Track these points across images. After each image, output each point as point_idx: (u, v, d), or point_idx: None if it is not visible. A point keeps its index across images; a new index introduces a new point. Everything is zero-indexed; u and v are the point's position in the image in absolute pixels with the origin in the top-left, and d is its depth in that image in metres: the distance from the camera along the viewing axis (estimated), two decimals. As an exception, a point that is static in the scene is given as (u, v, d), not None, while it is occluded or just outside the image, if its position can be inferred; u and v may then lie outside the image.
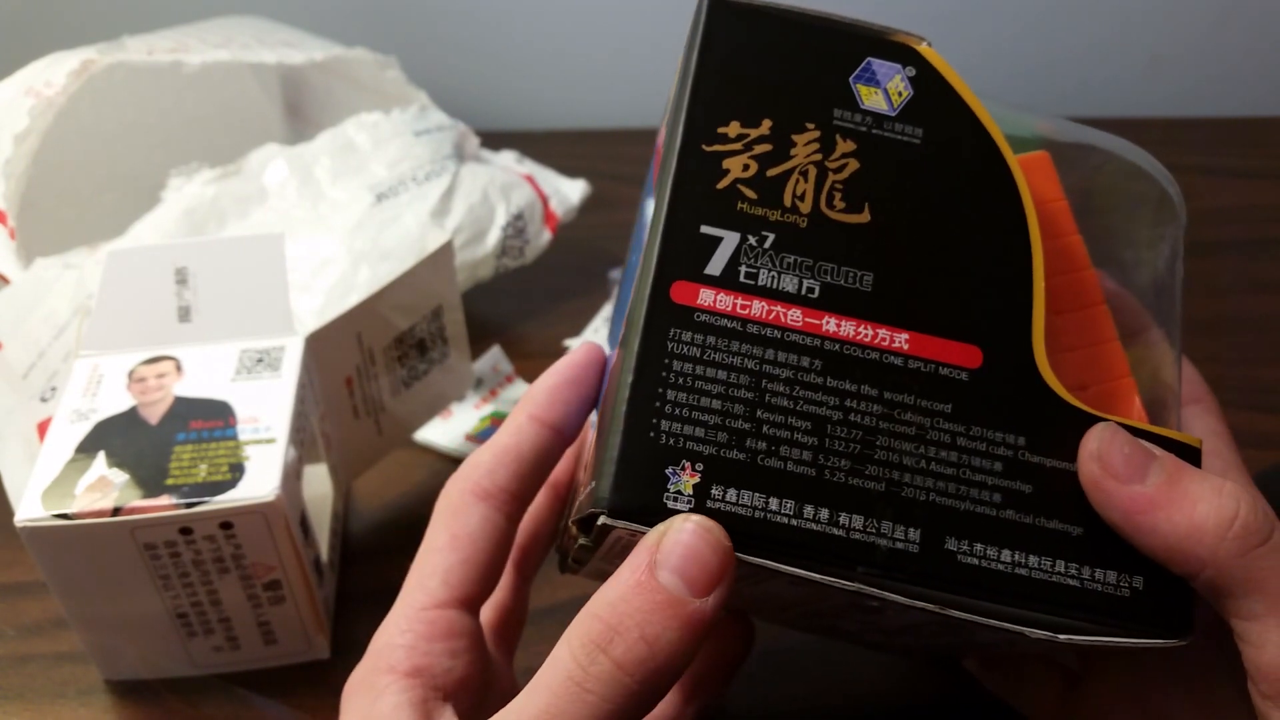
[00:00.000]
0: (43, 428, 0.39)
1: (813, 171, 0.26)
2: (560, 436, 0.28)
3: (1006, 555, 0.24)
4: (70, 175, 0.53)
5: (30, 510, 0.32)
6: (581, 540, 0.25)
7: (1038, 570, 0.24)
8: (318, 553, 0.38)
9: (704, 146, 0.26)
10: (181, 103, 0.57)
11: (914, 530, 0.24)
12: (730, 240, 0.25)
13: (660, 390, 0.24)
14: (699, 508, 0.23)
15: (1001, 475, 0.24)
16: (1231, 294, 0.56)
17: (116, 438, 0.34)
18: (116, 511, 0.32)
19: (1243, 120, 0.74)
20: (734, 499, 0.23)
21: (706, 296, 0.25)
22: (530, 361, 0.53)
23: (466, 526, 0.27)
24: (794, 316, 0.25)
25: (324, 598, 0.38)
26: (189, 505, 0.32)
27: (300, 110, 0.62)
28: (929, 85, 0.26)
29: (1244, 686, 0.24)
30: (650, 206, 0.26)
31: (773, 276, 0.25)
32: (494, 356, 0.52)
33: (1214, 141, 0.71)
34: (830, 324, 0.25)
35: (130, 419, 0.35)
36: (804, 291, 0.25)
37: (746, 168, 0.26)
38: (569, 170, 0.58)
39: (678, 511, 0.23)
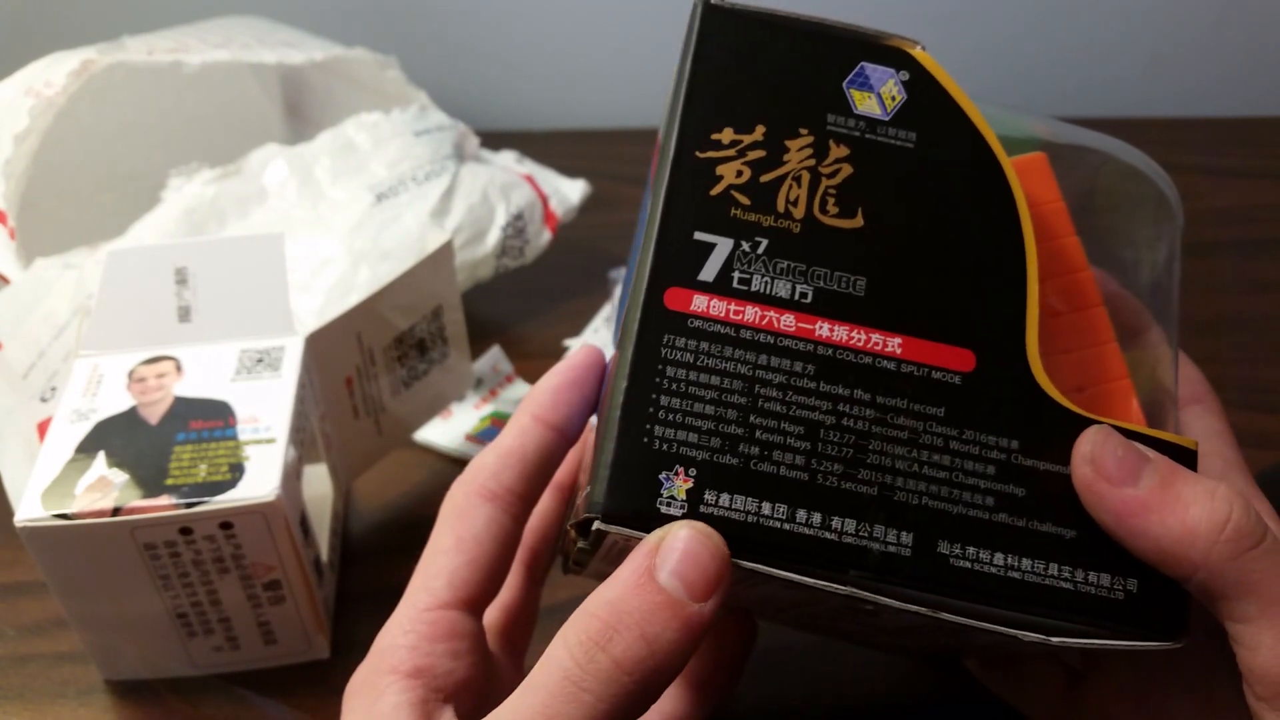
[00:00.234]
0: (43, 428, 0.39)
1: (806, 177, 0.26)
2: (563, 437, 0.28)
3: (999, 558, 0.24)
4: (70, 175, 0.53)
5: (30, 510, 0.32)
6: (580, 544, 0.25)
7: (1031, 573, 0.24)
8: (318, 553, 0.38)
9: (697, 153, 0.26)
10: (181, 103, 0.57)
11: (906, 534, 0.24)
12: (724, 246, 0.25)
13: (654, 396, 0.24)
14: (692, 513, 0.23)
15: (995, 479, 0.24)
16: (1231, 294, 0.56)
17: (116, 438, 0.34)
18: (116, 511, 0.32)
19: (1243, 120, 0.74)
20: (727, 504, 0.24)
21: (700, 303, 0.25)
22: (530, 361, 0.53)
23: (472, 528, 0.27)
24: (787, 322, 0.25)
25: (324, 598, 0.38)
26: (189, 505, 0.32)
27: (300, 110, 0.62)
28: (923, 89, 0.26)
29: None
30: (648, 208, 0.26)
31: (766, 282, 0.25)
32: (494, 356, 0.52)
33: (1214, 141, 0.71)
34: (823, 329, 0.25)
35: (130, 419, 0.35)
36: (797, 297, 0.25)
37: (740, 174, 0.26)
38: (569, 170, 0.58)
39: (671, 517, 0.23)
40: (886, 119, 0.26)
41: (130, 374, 0.36)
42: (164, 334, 0.37)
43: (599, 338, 0.55)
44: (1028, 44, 0.73)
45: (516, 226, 0.53)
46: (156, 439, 0.34)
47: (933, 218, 0.26)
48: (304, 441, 0.37)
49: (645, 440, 0.24)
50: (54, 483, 0.33)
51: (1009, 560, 0.24)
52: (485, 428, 0.48)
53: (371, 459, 0.45)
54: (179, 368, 0.37)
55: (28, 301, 0.42)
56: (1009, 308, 0.25)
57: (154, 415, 0.35)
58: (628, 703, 0.22)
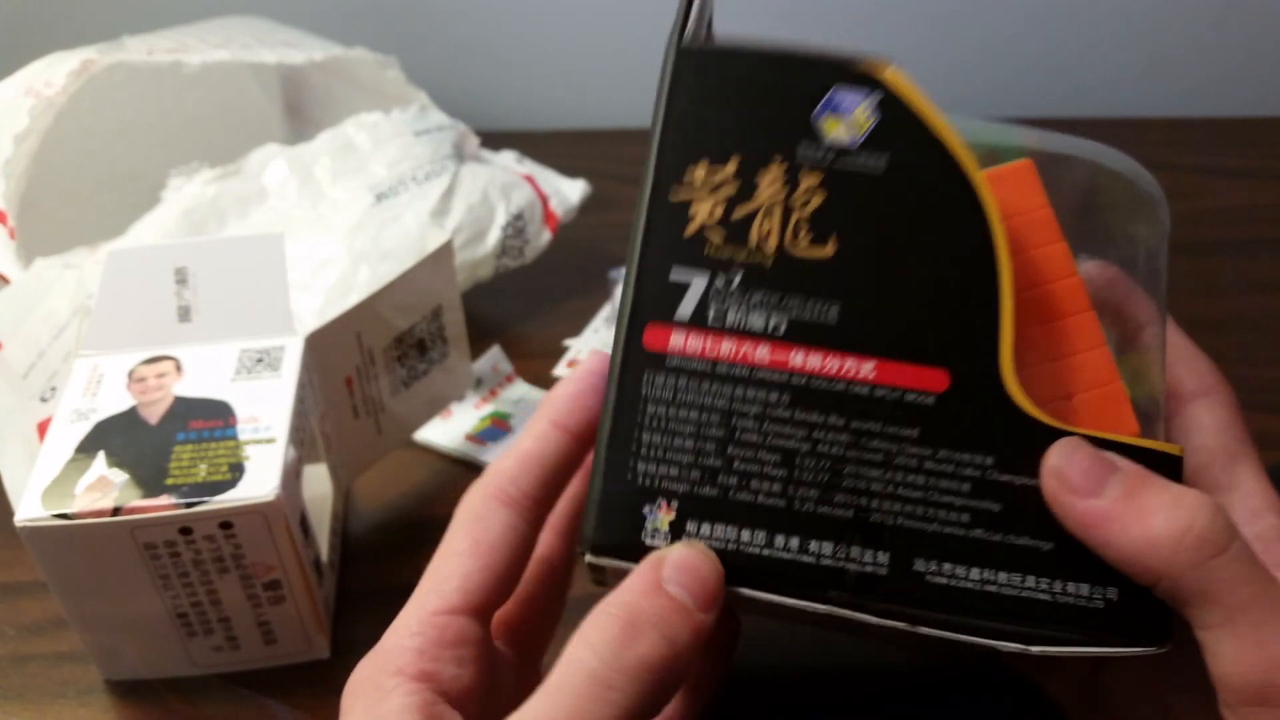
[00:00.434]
0: (43, 428, 0.39)
1: (778, 210, 0.26)
2: (581, 444, 0.28)
3: (975, 573, 0.24)
4: (70, 175, 0.53)
5: (30, 510, 0.32)
6: (588, 565, 0.26)
7: (1007, 586, 0.24)
8: (318, 553, 0.38)
9: (671, 194, 0.26)
10: (181, 103, 0.57)
11: (882, 553, 0.25)
12: (699, 283, 0.26)
13: (636, 434, 0.25)
14: (675, 542, 0.25)
15: (969, 495, 0.25)
16: (1231, 294, 0.56)
17: (116, 437, 0.34)
18: (116, 511, 0.32)
19: (1243, 120, 0.74)
20: (708, 533, 0.25)
21: (677, 340, 0.26)
22: (530, 361, 0.53)
23: (489, 532, 0.26)
24: (761, 353, 0.26)
25: (324, 598, 0.38)
26: (189, 505, 0.32)
27: (300, 110, 0.62)
28: (893, 111, 0.26)
29: None
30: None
31: (740, 315, 0.26)
32: (494, 356, 0.52)
33: (1214, 141, 0.71)
34: (797, 358, 0.25)
35: (130, 419, 0.35)
36: (771, 328, 0.26)
37: (713, 211, 0.26)
38: (569, 170, 0.58)
39: (655, 548, 0.25)
40: (857, 144, 0.26)
41: (130, 374, 0.36)
42: (164, 334, 0.37)
43: (599, 338, 0.55)
44: (1028, 44, 0.73)
45: (516, 226, 0.53)
46: (156, 439, 0.34)
47: (904, 240, 0.26)
48: (304, 441, 0.37)
49: (629, 476, 0.25)
50: (54, 483, 0.33)
51: (985, 574, 0.24)
52: (485, 428, 0.48)
53: (371, 459, 0.45)
54: (179, 368, 0.37)
55: (28, 301, 0.42)
56: (982, 325, 0.25)
57: (154, 415, 0.35)
58: (650, 701, 0.22)
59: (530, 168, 0.57)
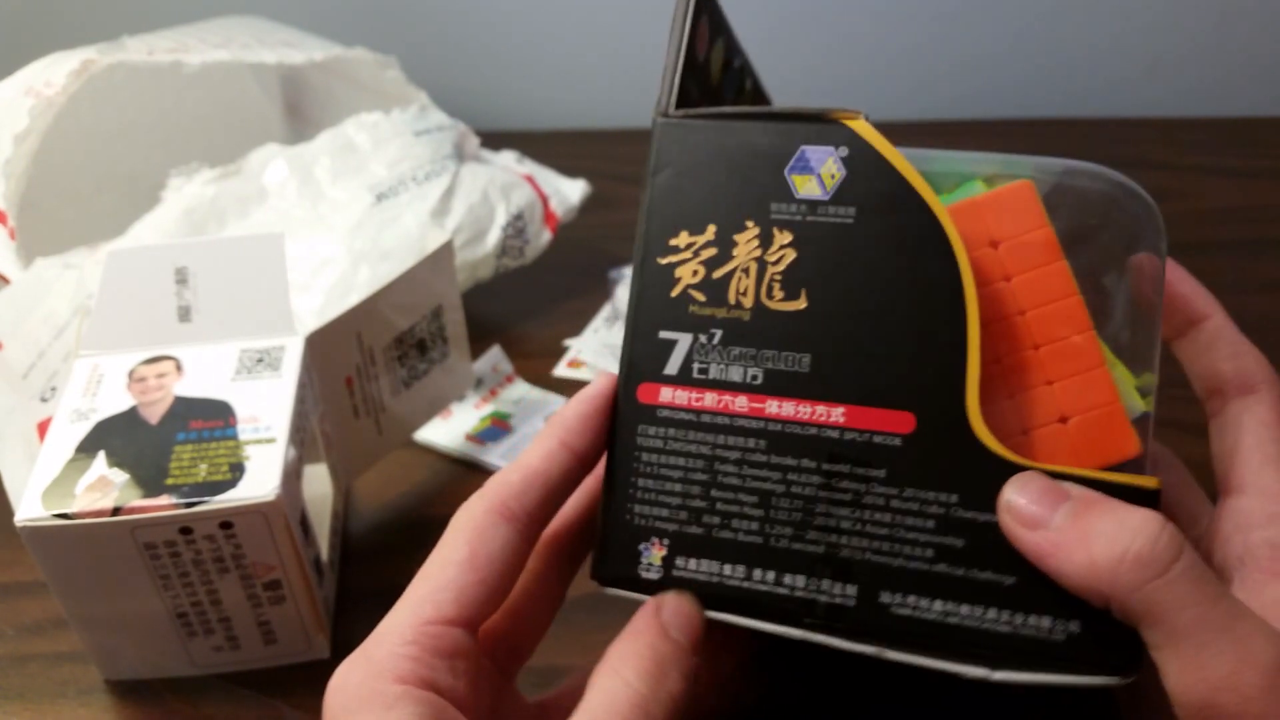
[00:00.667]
0: (43, 428, 0.39)
1: (753, 268, 0.28)
2: (585, 465, 0.29)
3: (938, 605, 0.26)
4: (70, 175, 0.53)
5: (30, 510, 0.32)
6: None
7: (969, 618, 0.26)
8: (318, 552, 0.38)
9: (658, 260, 0.28)
10: (181, 103, 0.57)
11: (851, 586, 0.26)
12: (684, 341, 0.28)
13: (633, 479, 0.28)
14: (667, 576, 0.27)
15: (934, 532, 0.26)
16: (1231, 294, 0.56)
17: (116, 437, 0.34)
18: (116, 511, 0.32)
19: (1243, 120, 0.74)
20: (695, 567, 0.27)
21: (666, 394, 0.28)
22: (530, 361, 0.53)
23: (488, 546, 0.26)
24: (740, 403, 0.28)
25: (324, 597, 0.38)
26: (189, 505, 0.32)
27: (300, 110, 0.62)
28: (861, 162, 0.27)
29: None
30: None
31: (722, 369, 0.28)
32: (494, 356, 0.52)
33: (1214, 141, 0.71)
34: (773, 406, 0.27)
35: (130, 419, 0.35)
36: (749, 379, 0.28)
37: (695, 273, 0.28)
38: (569, 170, 0.58)
39: (651, 580, 0.28)
40: (827, 198, 0.27)
41: (130, 374, 0.36)
42: (164, 334, 0.38)
43: (599, 338, 0.55)
44: (1028, 44, 0.73)
45: (516, 226, 0.53)
46: (156, 439, 0.34)
47: (873, 287, 0.27)
48: (304, 441, 0.37)
49: (627, 517, 0.28)
50: (54, 482, 0.33)
51: (948, 606, 0.26)
52: (485, 427, 0.48)
53: (371, 459, 0.45)
54: (179, 367, 0.37)
55: (28, 301, 0.42)
56: (948, 366, 0.26)
57: (154, 415, 0.35)
58: None
59: (530, 168, 0.57)
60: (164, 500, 0.32)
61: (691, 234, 0.28)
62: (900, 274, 0.27)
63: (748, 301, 0.28)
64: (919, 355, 0.26)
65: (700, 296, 0.28)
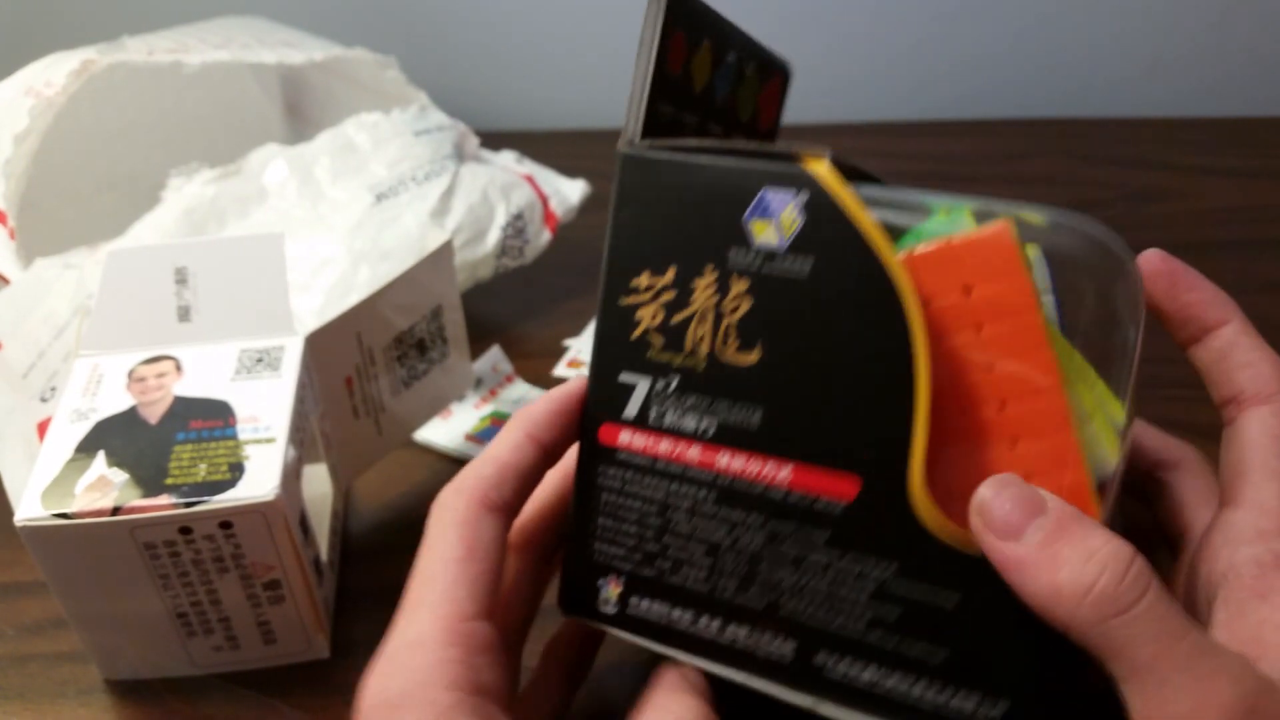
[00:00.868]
0: (43, 428, 0.39)
1: (710, 315, 0.27)
2: (549, 459, 0.29)
3: (870, 672, 0.26)
4: (70, 175, 0.53)
5: (30, 510, 0.32)
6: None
7: (896, 691, 0.26)
8: (317, 552, 0.38)
9: (620, 300, 0.28)
10: (181, 103, 0.57)
11: (788, 643, 0.27)
12: (643, 386, 0.28)
13: (594, 517, 0.29)
14: (621, 613, 0.28)
15: (871, 599, 0.26)
16: (1231, 294, 0.56)
17: (116, 437, 0.34)
18: (116, 511, 0.32)
19: (1243, 120, 0.74)
20: (646, 608, 0.28)
21: (625, 437, 0.28)
22: (530, 361, 0.53)
23: (481, 538, 0.27)
24: (693, 454, 0.28)
25: (324, 597, 0.38)
26: (189, 505, 0.32)
27: (300, 110, 0.62)
28: (819, 210, 0.26)
29: None
30: None
31: (677, 417, 0.28)
32: (494, 356, 0.52)
33: (1214, 141, 0.71)
34: (723, 459, 0.27)
35: (130, 419, 0.35)
36: (701, 430, 0.27)
37: (655, 316, 0.28)
38: (569, 170, 0.58)
39: (608, 614, 0.29)
40: (785, 247, 0.27)
41: (130, 374, 0.36)
42: (164, 334, 0.38)
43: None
44: (1028, 44, 0.73)
45: (516, 226, 0.53)
46: (156, 439, 0.34)
47: (826, 344, 0.26)
48: (304, 441, 0.37)
49: (587, 553, 0.29)
50: (54, 482, 0.33)
51: (879, 675, 0.26)
52: (485, 427, 0.48)
53: (371, 459, 0.45)
54: (179, 367, 0.37)
55: (28, 301, 0.42)
56: (894, 433, 0.25)
57: (154, 415, 0.35)
58: None
59: (530, 168, 0.57)
60: (163, 500, 0.32)
61: (653, 274, 0.28)
62: (851, 334, 0.26)
63: (703, 349, 0.27)
64: (866, 419, 0.26)
65: (659, 341, 0.28)
